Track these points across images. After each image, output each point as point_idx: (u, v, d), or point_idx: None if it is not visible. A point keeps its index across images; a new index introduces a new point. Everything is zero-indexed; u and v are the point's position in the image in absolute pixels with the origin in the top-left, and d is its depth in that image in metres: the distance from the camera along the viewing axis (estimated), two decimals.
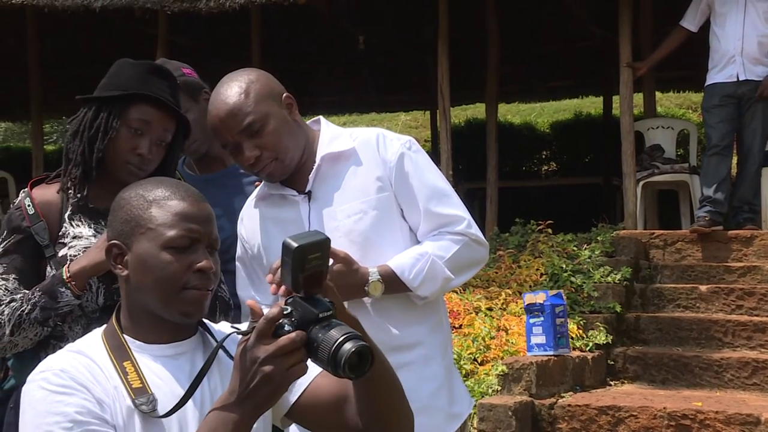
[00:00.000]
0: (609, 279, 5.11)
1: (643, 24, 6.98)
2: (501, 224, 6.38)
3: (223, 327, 1.59)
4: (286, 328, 1.28)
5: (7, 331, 1.95)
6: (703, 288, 5.12)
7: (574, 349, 4.53)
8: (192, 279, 1.46)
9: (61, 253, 2.04)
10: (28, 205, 2.07)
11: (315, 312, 1.29)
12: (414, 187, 2.02)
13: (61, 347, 1.53)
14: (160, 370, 1.46)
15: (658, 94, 8.54)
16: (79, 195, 2.09)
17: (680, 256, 5.58)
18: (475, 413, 3.83)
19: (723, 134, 5.59)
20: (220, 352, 1.49)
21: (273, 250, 1.93)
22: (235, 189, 2.58)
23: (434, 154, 9.62)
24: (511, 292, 5.07)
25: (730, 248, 5.47)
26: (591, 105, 11.92)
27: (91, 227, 2.08)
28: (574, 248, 5.55)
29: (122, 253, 1.50)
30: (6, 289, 1.99)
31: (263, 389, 1.28)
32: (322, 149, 2.04)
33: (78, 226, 2.08)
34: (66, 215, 2.08)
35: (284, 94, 2.02)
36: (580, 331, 4.68)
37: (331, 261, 1.86)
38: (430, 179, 2.04)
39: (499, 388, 4.12)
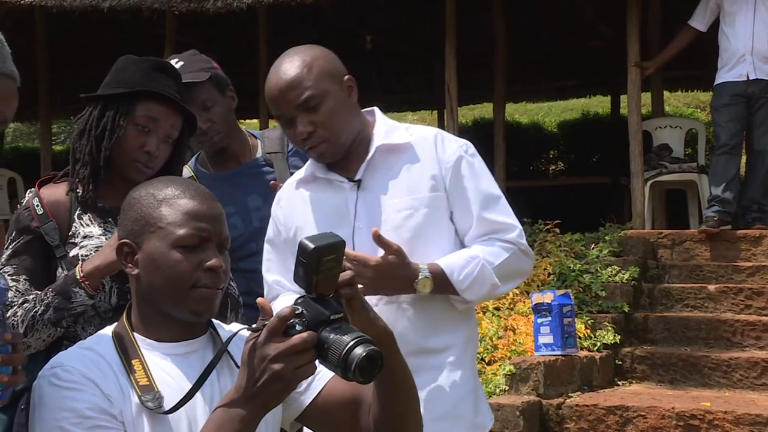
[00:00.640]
0: (617, 279, 5.10)
1: (651, 23, 6.96)
2: None
3: (234, 328, 1.59)
4: (297, 328, 1.28)
5: (20, 333, 1.95)
6: (711, 288, 5.10)
7: (581, 348, 4.52)
8: (202, 278, 1.46)
9: (72, 253, 2.03)
10: (37, 205, 2.05)
11: (326, 313, 1.29)
12: (469, 191, 2.00)
13: None
14: (171, 368, 1.46)
15: (666, 94, 8.51)
16: (87, 194, 2.08)
17: (688, 255, 5.56)
18: None
19: (732, 133, 5.57)
20: (230, 353, 1.50)
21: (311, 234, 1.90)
22: (249, 187, 2.58)
23: None
24: (518, 292, 5.06)
25: (739, 248, 5.45)
26: (599, 104, 11.89)
27: (100, 226, 2.07)
28: (582, 248, 5.54)
29: (133, 251, 1.51)
30: (17, 290, 1.98)
31: (271, 387, 1.27)
32: (378, 139, 2.01)
33: (87, 225, 2.07)
34: (75, 215, 2.07)
35: (346, 76, 1.99)
36: (588, 331, 4.67)
37: (382, 252, 1.86)
38: (485, 185, 2.02)
39: (507, 387, 4.11)
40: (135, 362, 1.44)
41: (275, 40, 7.52)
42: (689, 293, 5.12)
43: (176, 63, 2.50)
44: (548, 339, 4.27)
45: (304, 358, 1.27)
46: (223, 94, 2.57)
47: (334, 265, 1.32)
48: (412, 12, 7.69)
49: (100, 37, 8.42)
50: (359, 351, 1.24)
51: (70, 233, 2.06)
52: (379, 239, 1.85)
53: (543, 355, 4.24)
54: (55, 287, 1.97)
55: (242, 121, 13.68)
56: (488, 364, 4.39)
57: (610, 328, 4.73)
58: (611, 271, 5.14)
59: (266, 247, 2.14)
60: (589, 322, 4.74)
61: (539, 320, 4.30)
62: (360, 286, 1.85)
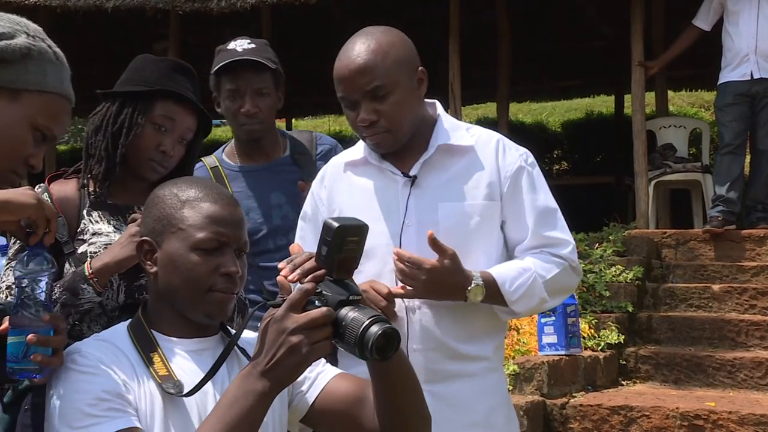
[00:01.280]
0: (621, 278, 5.10)
1: (655, 22, 6.95)
2: None
3: (246, 335, 1.60)
4: (316, 304, 1.30)
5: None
6: (715, 287, 5.09)
7: (585, 348, 4.52)
8: (218, 281, 1.48)
9: (81, 249, 2.03)
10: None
11: (345, 294, 1.31)
12: (526, 204, 1.95)
13: None
14: (184, 363, 1.48)
15: (670, 93, 8.49)
16: (99, 191, 2.08)
17: (693, 255, 5.55)
18: None
19: (736, 133, 5.56)
20: (244, 350, 1.52)
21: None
22: (273, 184, 2.58)
23: None
24: None
25: (743, 248, 5.44)
26: (603, 104, 11.88)
27: (110, 223, 2.06)
28: (586, 247, 5.53)
29: (152, 249, 1.53)
30: None
31: (287, 360, 1.29)
32: (440, 137, 1.95)
33: (97, 222, 2.06)
34: (84, 211, 2.07)
35: (420, 68, 1.93)
36: (592, 331, 4.66)
37: (429, 252, 1.82)
38: (543, 198, 1.98)
39: (511, 387, 4.11)
40: (153, 355, 1.46)
41: (279, 41, 7.53)
42: (693, 293, 5.12)
43: (248, 43, 2.54)
44: (552, 339, 4.27)
45: (321, 333, 1.29)
46: (278, 91, 2.60)
47: (356, 248, 1.34)
48: (416, 12, 7.69)
49: (103, 37, 8.43)
50: (375, 329, 1.26)
51: (78, 230, 2.06)
52: (434, 243, 1.81)
53: (547, 355, 4.24)
54: (62, 283, 1.97)
55: None
56: None
57: (614, 327, 4.72)
58: (615, 271, 5.14)
59: (300, 223, 2.09)
60: (593, 321, 4.73)
61: (543, 320, 4.30)
62: (409, 288, 1.83)
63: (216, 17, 6.70)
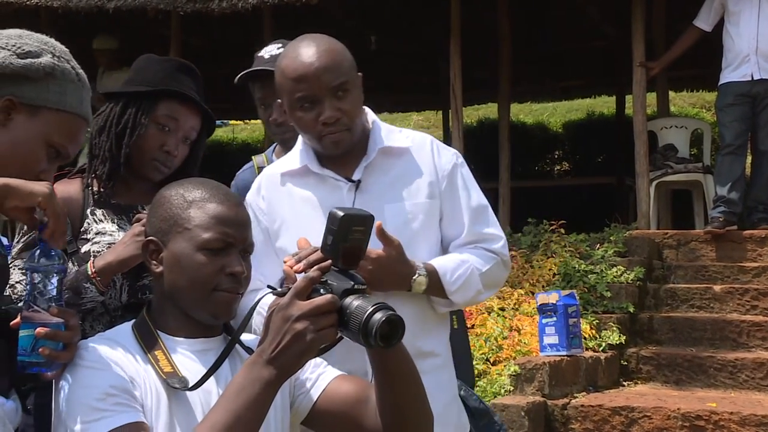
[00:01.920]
0: (622, 279, 5.09)
1: (656, 23, 6.95)
2: (513, 224, 6.36)
3: (249, 338, 1.61)
4: (321, 292, 1.31)
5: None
6: (717, 288, 5.09)
7: (587, 349, 4.52)
8: (223, 281, 1.49)
9: (84, 249, 2.04)
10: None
11: (351, 283, 1.33)
12: (462, 199, 2.01)
13: None
14: (189, 363, 1.49)
15: (671, 94, 8.50)
16: (103, 190, 2.08)
17: (694, 256, 5.55)
18: None
19: (737, 133, 5.55)
20: (249, 348, 1.53)
21: (297, 231, 1.83)
22: None
23: None
24: (523, 292, 5.06)
25: (745, 248, 5.43)
26: (604, 104, 11.87)
27: (114, 222, 2.07)
28: (587, 248, 5.53)
29: (158, 249, 1.54)
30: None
31: (293, 348, 1.30)
32: (378, 141, 1.98)
33: (101, 221, 2.07)
34: (88, 210, 2.08)
35: (359, 72, 1.97)
36: (593, 332, 4.66)
37: (382, 246, 1.83)
38: (476, 196, 2.04)
39: (512, 388, 4.11)
40: (158, 353, 1.47)
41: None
42: (695, 294, 5.11)
43: (278, 49, 2.49)
44: (553, 339, 4.27)
45: (326, 320, 1.30)
46: None
47: (362, 237, 1.36)
48: (417, 12, 7.69)
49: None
50: (379, 316, 1.27)
51: (81, 229, 2.06)
52: (381, 233, 1.83)
53: (548, 356, 4.23)
54: (65, 282, 1.97)
55: (247, 121, 13.69)
56: (493, 364, 4.39)
57: (615, 328, 4.72)
58: (616, 272, 5.13)
59: None
60: (594, 322, 4.73)
61: (544, 321, 4.30)
62: None
63: (217, 18, 6.70)
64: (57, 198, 1.44)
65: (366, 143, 1.98)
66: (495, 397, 4.01)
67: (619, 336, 4.69)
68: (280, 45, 2.53)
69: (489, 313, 4.82)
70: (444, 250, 2.03)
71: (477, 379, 4.12)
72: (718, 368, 4.53)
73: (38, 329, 1.39)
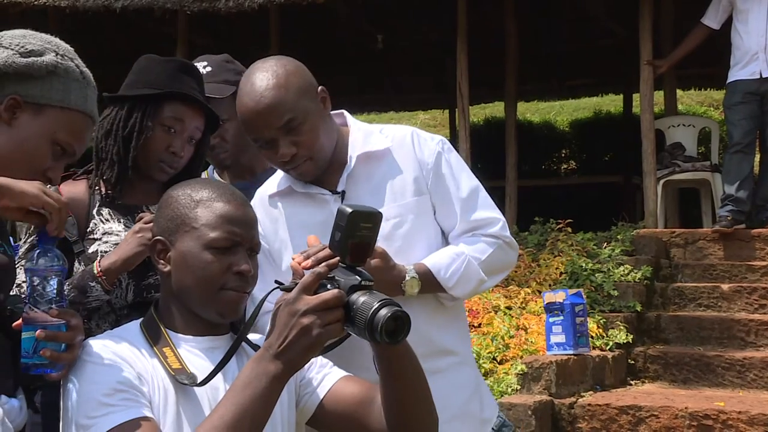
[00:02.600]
0: (629, 278, 5.08)
1: (663, 21, 6.93)
2: (520, 223, 6.36)
3: (255, 337, 1.62)
4: (328, 288, 1.32)
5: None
6: (725, 287, 5.07)
7: (594, 348, 4.51)
8: (230, 280, 1.50)
9: (92, 249, 2.05)
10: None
11: (358, 279, 1.33)
12: (450, 189, 1.98)
13: None
14: (196, 360, 1.50)
15: (679, 92, 8.47)
16: (112, 193, 2.10)
17: (701, 254, 5.54)
18: None
19: (745, 132, 5.54)
20: (256, 345, 1.53)
21: (296, 249, 1.82)
22: None
23: None
24: (530, 291, 5.05)
25: (753, 247, 5.42)
26: (611, 103, 11.85)
27: (120, 222, 2.09)
28: (594, 247, 5.52)
29: (166, 249, 1.55)
30: None
31: (300, 342, 1.31)
32: (356, 147, 1.95)
33: (108, 221, 2.09)
34: (94, 211, 2.09)
35: (319, 87, 1.92)
36: (600, 330, 4.65)
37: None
38: (465, 181, 2.00)
39: (519, 387, 4.11)
40: (166, 350, 1.49)
41: (287, 40, 7.54)
42: (702, 292, 5.10)
43: (204, 67, 2.44)
44: (560, 338, 4.26)
45: (333, 315, 1.30)
46: None
47: (370, 234, 1.37)
48: (424, 11, 7.69)
49: (112, 38, 8.46)
50: (385, 312, 1.27)
51: (88, 230, 2.08)
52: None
53: (555, 355, 4.23)
54: (71, 281, 1.99)
55: None
56: (500, 363, 4.38)
57: (622, 327, 4.71)
58: (623, 270, 5.12)
59: None
60: (601, 321, 4.72)
61: (551, 319, 4.29)
62: None
63: (224, 17, 6.71)
64: (53, 194, 1.44)
65: (345, 152, 1.95)
66: (502, 396, 4.01)
67: (627, 335, 4.68)
68: (205, 63, 2.47)
69: (496, 312, 4.81)
70: (446, 240, 2.01)
71: (484, 377, 4.12)
72: (726, 367, 4.52)
73: (38, 332, 1.39)
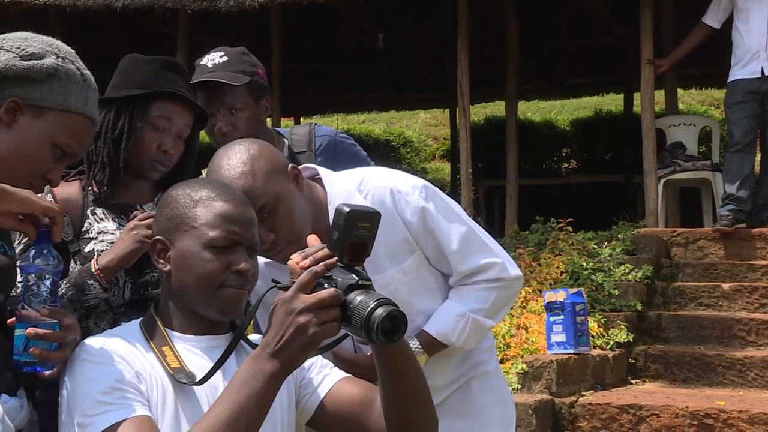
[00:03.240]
0: (630, 277, 5.08)
1: (664, 20, 6.93)
2: (521, 222, 6.36)
3: (255, 337, 1.62)
4: (325, 287, 1.32)
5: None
6: (725, 286, 5.07)
7: (594, 347, 4.51)
8: (230, 278, 1.51)
9: (88, 248, 2.06)
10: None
11: (355, 278, 1.33)
12: (441, 244, 1.92)
13: None
14: (196, 359, 1.50)
15: (679, 91, 8.46)
16: (104, 194, 2.11)
17: (702, 254, 5.54)
18: None
19: (746, 131, 5.53)
20: (255, 344, 1.53)
21: None
22: None
23: (453, 152, 9.60)
24: (531, 290, 5.05)
25: (754, 246, 5.41)
26: (612, 102, 11.84)
27: (114, 221, 2.10)
28: (595, 246, 5.52)
29: (165, 248, 1.55)
30: None
31: (296, 341, 1.31)
32: None
33: (102, 220, 2.10)
34: (88, 211, 2.10)
35: (289, 166, 1.83)
36: (601, 330, 4.65)
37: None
38: (455, 230, 1.92)
39: (519, 386, 4.11)
40: (165, 348, 1.49)
41: (287, 39, 7.54)
42: (703, 292, 5.10)
43: (221, 57, 2.43)
44: (561, 337, 4.26)
45: (329, 314, 1.30)
46: (257, 102, 2.45)
47: (368, 234, 1.37)
48: (424, 10, 7.69)
49: (113, 37, 8.46)
50: (381, 311, 1.27)
51: (83, 229, 2.09)
52: (361, 341, 1.75)
53: (555, 354, 4.23)
54: (69, 280, 2.00)
55: None
56: (501, 362, 4.38)
57: (623, 326, 4.71)
58: (624, 270, 5.12)
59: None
60: (601, 320, 4.72)
61: (552, 318, 4.29)
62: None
63: (224, 16, 6.71)
64: (46, 201, 1.45)
65: (327, 220, 1.83)
66: None
67: (627, 334, 4.68)
68: (222, 53, 2.45)
69: None
70: (445, 278, 1.99)
71: None
72: (727, 366, 4.52)
73: (28, 330, 1.40)
